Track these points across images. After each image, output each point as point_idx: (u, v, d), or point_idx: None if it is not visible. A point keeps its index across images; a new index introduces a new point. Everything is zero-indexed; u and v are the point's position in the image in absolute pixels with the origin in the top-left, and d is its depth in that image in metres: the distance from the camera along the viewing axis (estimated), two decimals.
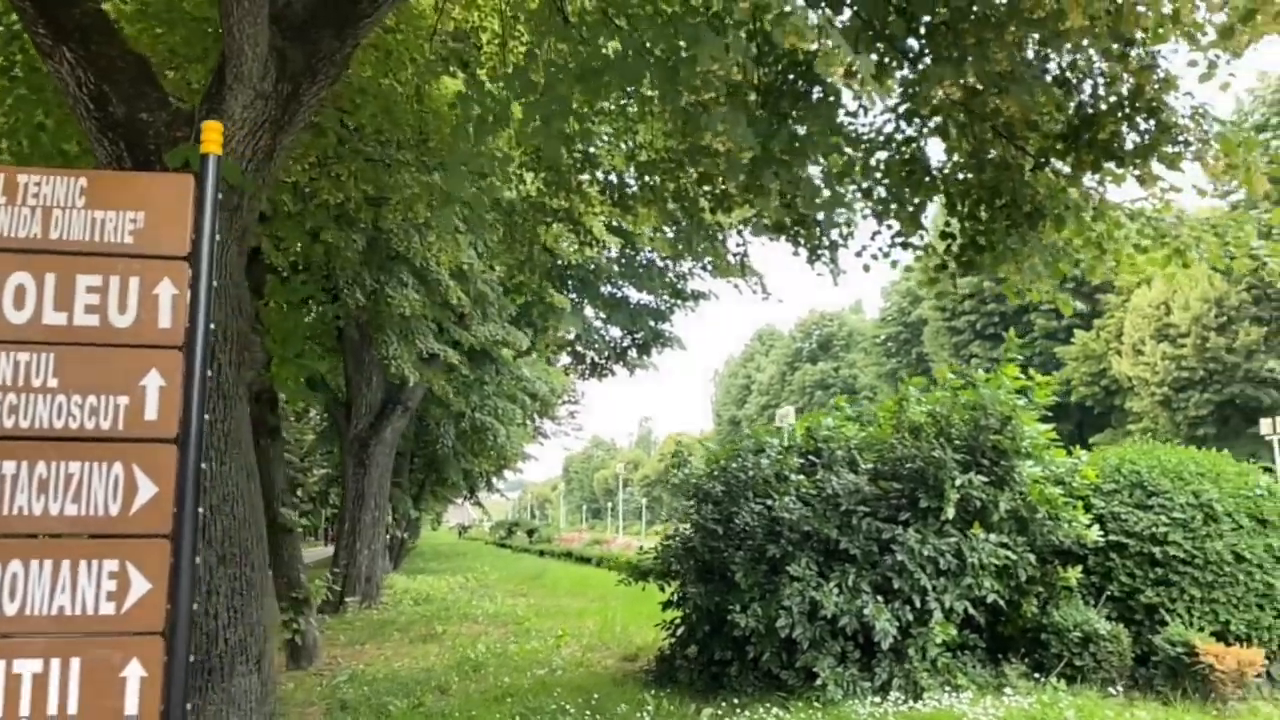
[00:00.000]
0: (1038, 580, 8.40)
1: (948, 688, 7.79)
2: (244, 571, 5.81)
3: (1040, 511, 8.38)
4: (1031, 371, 9.66)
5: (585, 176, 9.42)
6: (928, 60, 5.24)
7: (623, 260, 18.78)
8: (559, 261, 15.10)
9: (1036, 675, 7.96)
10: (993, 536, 8.25)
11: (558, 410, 33.99)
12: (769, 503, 8.83)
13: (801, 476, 9.26)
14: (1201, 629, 7.81)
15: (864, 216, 7.10)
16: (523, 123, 5.63)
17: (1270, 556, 7.91)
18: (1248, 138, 5.41)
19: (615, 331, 20.97)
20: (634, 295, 20.57)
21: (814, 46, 5.08)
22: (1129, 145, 5.43)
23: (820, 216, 5.76)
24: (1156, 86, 5.06)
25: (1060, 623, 8.00)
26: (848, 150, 5.82)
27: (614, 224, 12.87)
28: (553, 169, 9.11)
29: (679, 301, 20.31)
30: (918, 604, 8.00)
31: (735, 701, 7.89)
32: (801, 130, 5.40)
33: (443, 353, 13.26)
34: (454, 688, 9.60)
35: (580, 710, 7.86)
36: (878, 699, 7.62)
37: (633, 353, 20.84)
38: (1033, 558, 8.30)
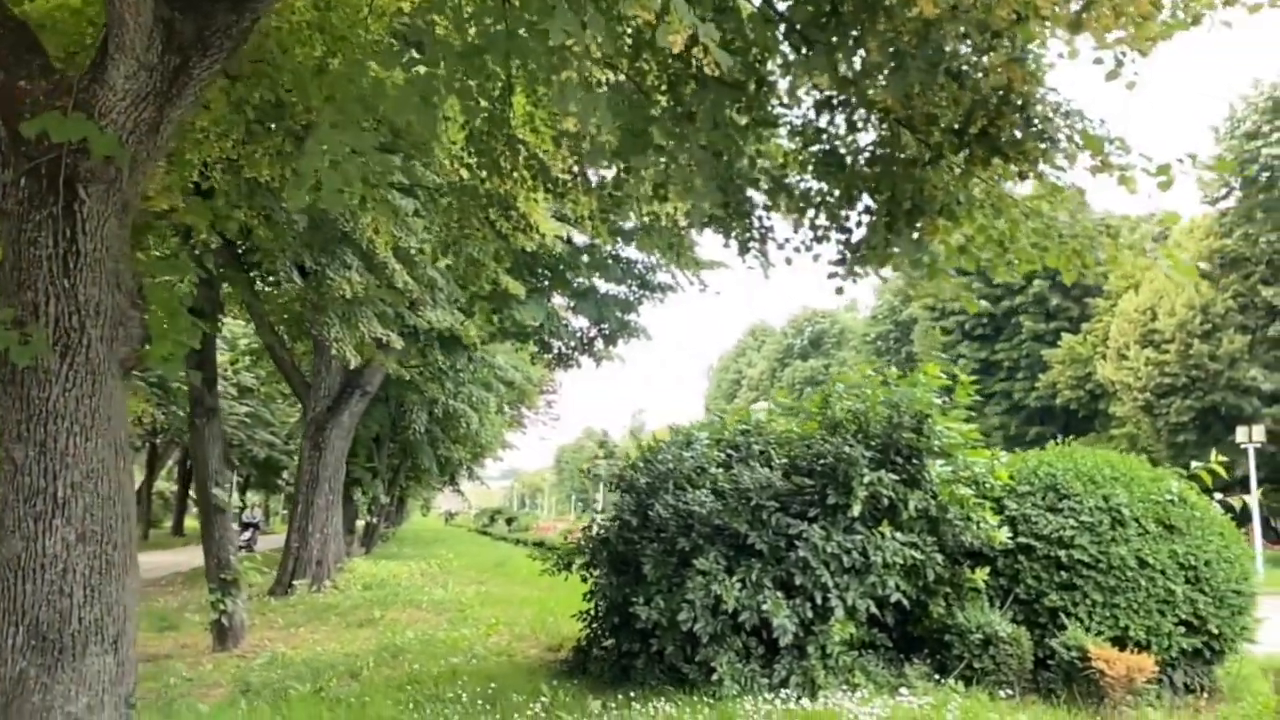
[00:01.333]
0: (945, 581, 8.34)
1: (845, 686, 7.72)
2: (104, 549, 5.71)
3: (951, 512, 8.31)
4: (957, 371, 9.57)
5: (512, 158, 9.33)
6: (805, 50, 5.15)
7: (588, 251, 18.71)
8: (520, 250, 15.05)
9: (937, 676, 7.89)
10: (900, 535, 8.17)
11: (535, 400, 33.93)
12: (684, 496, 8.75)
13: (720, 470, 9.18)
14: (1101, 634, 7.75)
15: (766, 208, 6.99)
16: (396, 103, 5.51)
17: (1174, 563, 7.83)
18: (1118, 140, 5.32)
19: (583, 322, 20.92)
20: (603, 286, 20.54)
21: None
22: (1003, 140, 5.33)
23: (707, 206, 5.64)
24: (1025, 82, 4.96)
25: (963, 624, 7.94)
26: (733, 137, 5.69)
27: (561, 212, 12.77)
28: (483, 153, 9.03)
29: (647, 293, 20.25)
30: (819, 601, 7.93)
31: (633, 694, 7.83)
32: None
33: (386, 337, 13.16)
34: (366, 673, 9.56)
35: (475, 699, 7.81)
36: (773, 695, 7.55)
37: (599, 344, 20.78)
38: (940, 558, 8.24)
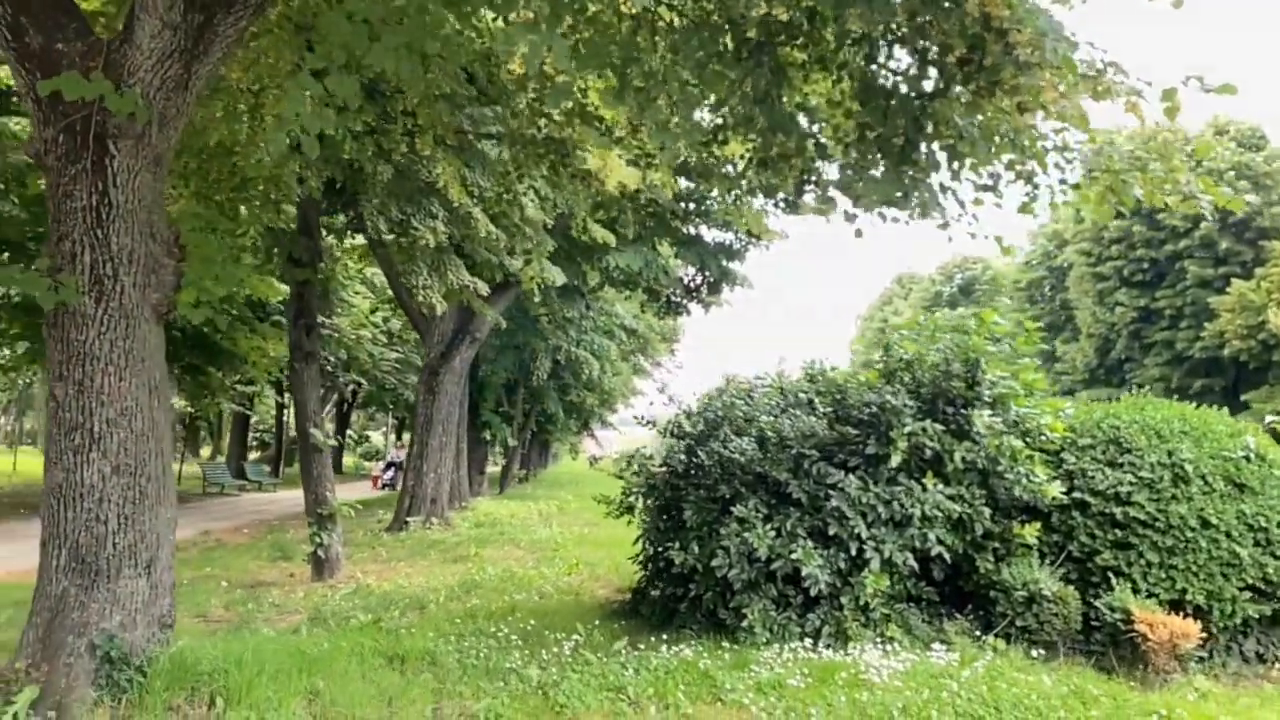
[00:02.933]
0: (995, 536, 8.00)
1: (879, 639, 7.56)
2: (137, 481, 6.21)
3: (1002, 464, 7.94)
4: (1023, 319, 9.07)
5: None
6: None
7: (691, 197, 18.56)
8: (617, 196, 15.10)
9: (978, 633, 7.62)
10: (945, 488, 7.88)
11: (657, 348, 34.12)
12: (728, 444, 8.70)
13: (770, 418, 9.06)
14: (1155, 596, 7.27)
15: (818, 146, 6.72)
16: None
17: (1242, 524, 7.23)
18: (1113, 64, 4.83)
19: (691, 270, 20.84)
20: (709, 234, 20.35)
21: None
22: (984, 70, 4.95)
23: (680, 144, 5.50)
24: (999, 6, 4.57)
25: (1008, 581, 7.61)
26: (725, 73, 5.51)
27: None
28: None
29: (753, 240, 19.97)
30: (853, 552, 7.76)
31: (665, 637, 7.91)
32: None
33: (474, 285, 13.51)
34: (432, 606, 10.02)
35: (513, 634, 8.07)
36: (803, 644, 7.46)
37: (704, 291, 20.70)
38: (988, 512, 7.90)
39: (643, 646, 7.65)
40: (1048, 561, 7.89)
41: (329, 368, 38.55)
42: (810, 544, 7.83)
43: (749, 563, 7.99)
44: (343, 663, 7.05)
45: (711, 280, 20.11)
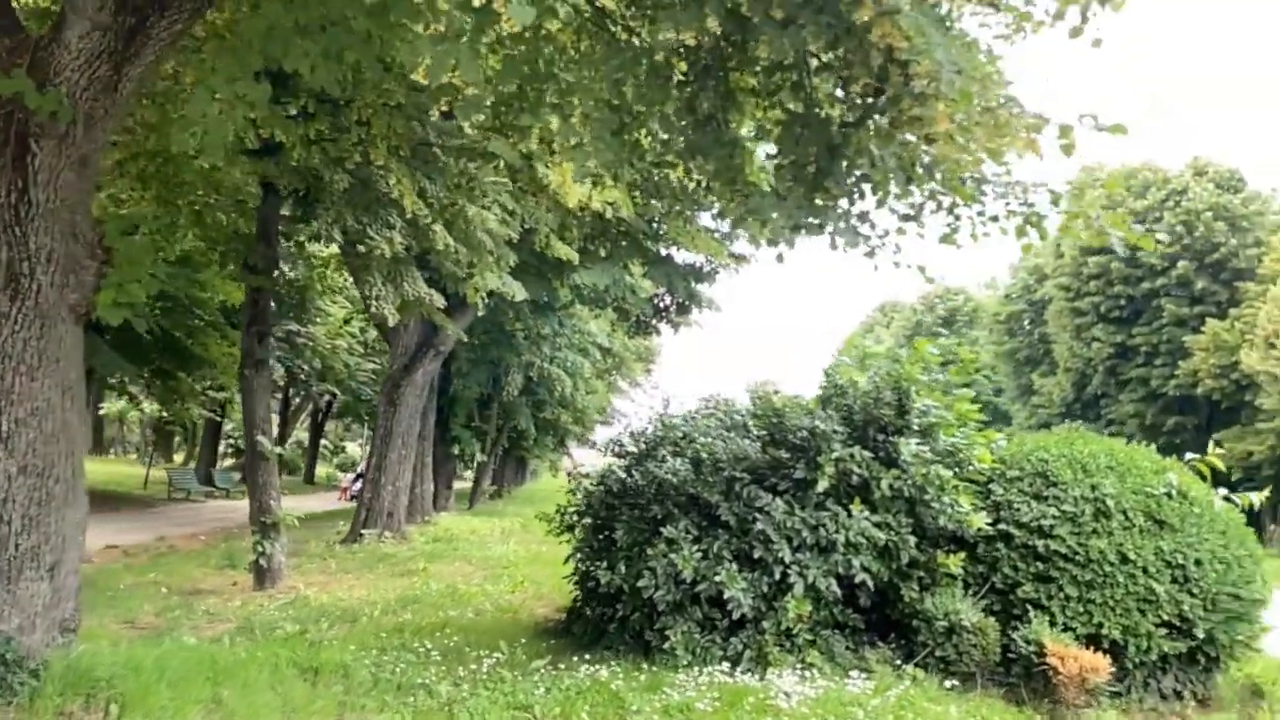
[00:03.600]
0: (920, 565, 7.99)
1: (800, 665, 7.53)
2: (45, 483, 6.14)
3: (929, 493, 7.94)
4: (961, 350, 9.12)
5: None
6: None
7: (662, 219, 18.62)
8: (581, 215, 15.12)
9: (899, 662, 7.60)
10: (873, 515, 7.88)
11: (633, 367, 34.11)
12: (662, 465, 8.69)
13: (707, 440, 9.05)
14: (1072, 630, 7.27)
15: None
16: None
17: (1160, 560, 7.24)
18: (1011, 99, 4.88)
19: (661, 290, 20.88)
20: (682, 256, 20.39)
21: None
22: (884, 101, 4.98)
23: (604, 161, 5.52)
24: (897, 38, 4.60)
25: (930, 610, 7.60)
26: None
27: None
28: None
29: (722, 263, 20.03)
30: (777, 576, 7.74)
31: (589, 657, 7.86)
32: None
33: (429, 297, 13.49)
34: (364, 619, 9.94)
35: (432, 651, 8.02)
36: (722, 668, 7.42)
37: (673, 311, 20.74)
38: (913, 540, 7.89)
39: (563, 666, 7.61)
40: (972, 592, 7.89)
41: (303, 376, 38.45)
42: (735, 567, 7.81)
43: (675, 584, 7.96)
44: (254, 673, 6.97)
45: (680, 301, 20.15)
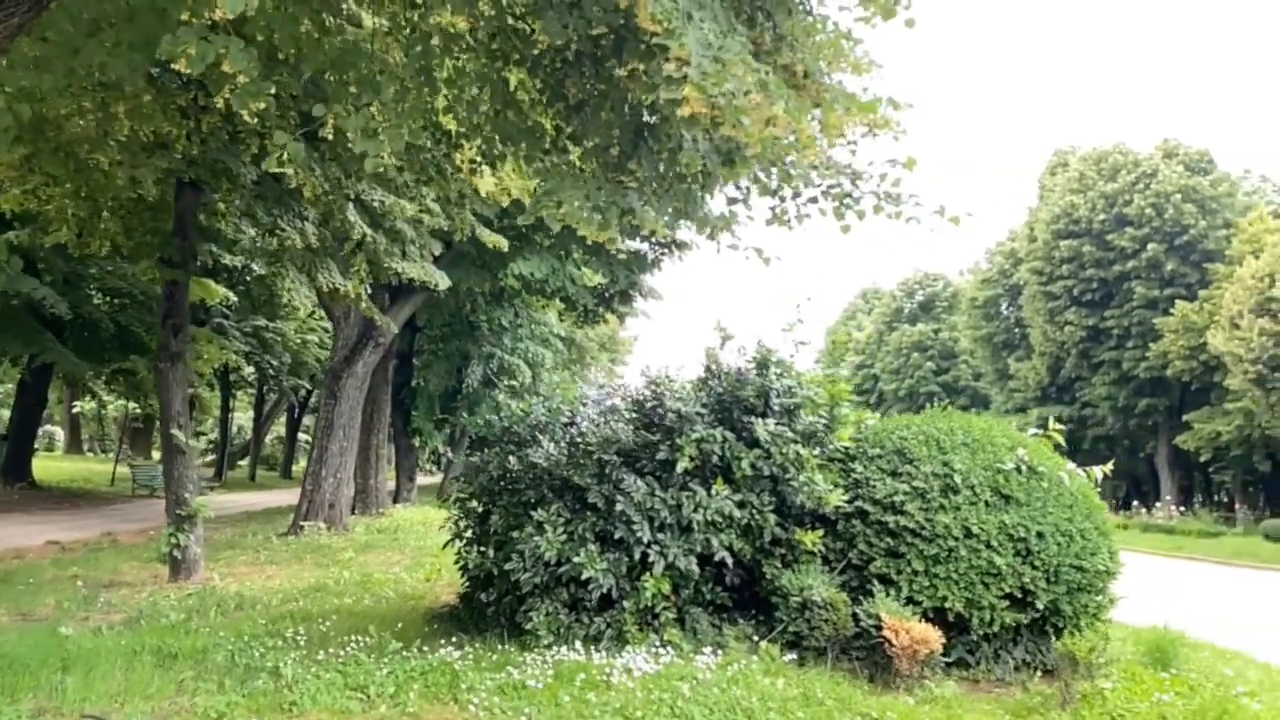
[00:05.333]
0: (782, 542, 8.10)
1: (659, 643, 7.63)
2: None
3: (790, 472, 8.04)
4: (841, 335, 9.19)
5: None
6: None
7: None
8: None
9: (755, 638, 7.71)
10: (735, 494, 7.98)
11: (596, 357, 34.19)
12: (536, 449, 8.78)
13: (589, 424, 9.14)
14: (919, 603, 7.38)
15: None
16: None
17: (1003, 535, 7.34)
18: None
19: (601, 279, 20.94)
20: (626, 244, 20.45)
21: None
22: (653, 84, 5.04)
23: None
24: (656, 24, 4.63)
25: (786, 587, 7.71)
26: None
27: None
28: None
29: (665, 251, 20.12)
30: (636, 556, 7.84)
31: (455, 640, 7.96)
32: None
33: (344, 288, 13.55)
34: (259, 607, 10.03)
35: (302, 636, 8.12)
36: (574, 648, 7.51)
37: (615, 300, 20.82)
38: (774, 518, 8.00)
39: (427, 649, 7.70)
40: (833, 568, 8.00)
41: (271, 372, 38.48)
42: (597, 548, 7.91)
43: (542, 566, 8.06)
44: (107, 659, 7.09)
45: (621, 290, 20.22)
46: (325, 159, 11.15)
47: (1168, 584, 20.64)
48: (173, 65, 6.26)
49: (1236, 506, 42.55)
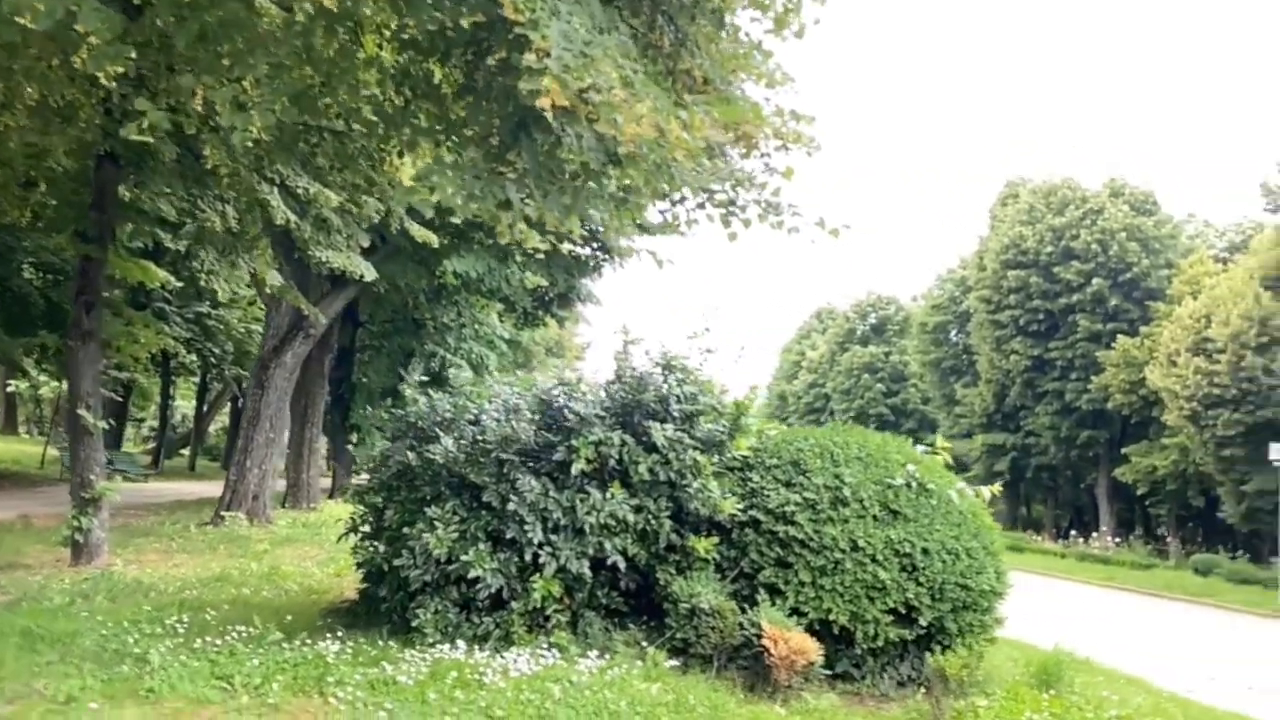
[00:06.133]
0: (677, 549, 8.07)
1: (546, 646, 7.55)
2: None
3: (689, 479, 8.02)
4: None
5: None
6: None
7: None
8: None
9: (643, 644, 7.67)
10: (629, 498, 7.94)
11: (543, 362, 34.05)
12: (433, 445, 8.68)
13: (492, 422, 9.05)
14: (804, 614, 7.39)
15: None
16: None
17: (889, 549, 7.38)
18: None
19: (543, 281, 20.85)
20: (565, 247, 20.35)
21: None
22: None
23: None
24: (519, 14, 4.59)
25: (676, 593, 7.68)
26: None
27: None
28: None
29: (606, 256, 20.09)
30: (528, 557, 7.77)
31: (340, 634, 7.82)
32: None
33: (267, 275, 13.35)
34: (153, 595, 9.83)
35: (182, 624, 7.95)
36: (455, 647, 7.41)
37: (554, 303, 20.75)
38: (669, 524, 7.97)
39: (309, 642, 7.55)
40: (725, 576, 7.98)
41: (213, 360, 37.87)
42: (488, 547, 7.83)
43: (434, 564, 7.96)
44: None
45: (560, 293, 20.16)
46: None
47: (1097, 613, 20.95)
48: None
49: (1169, 540, 43.30)
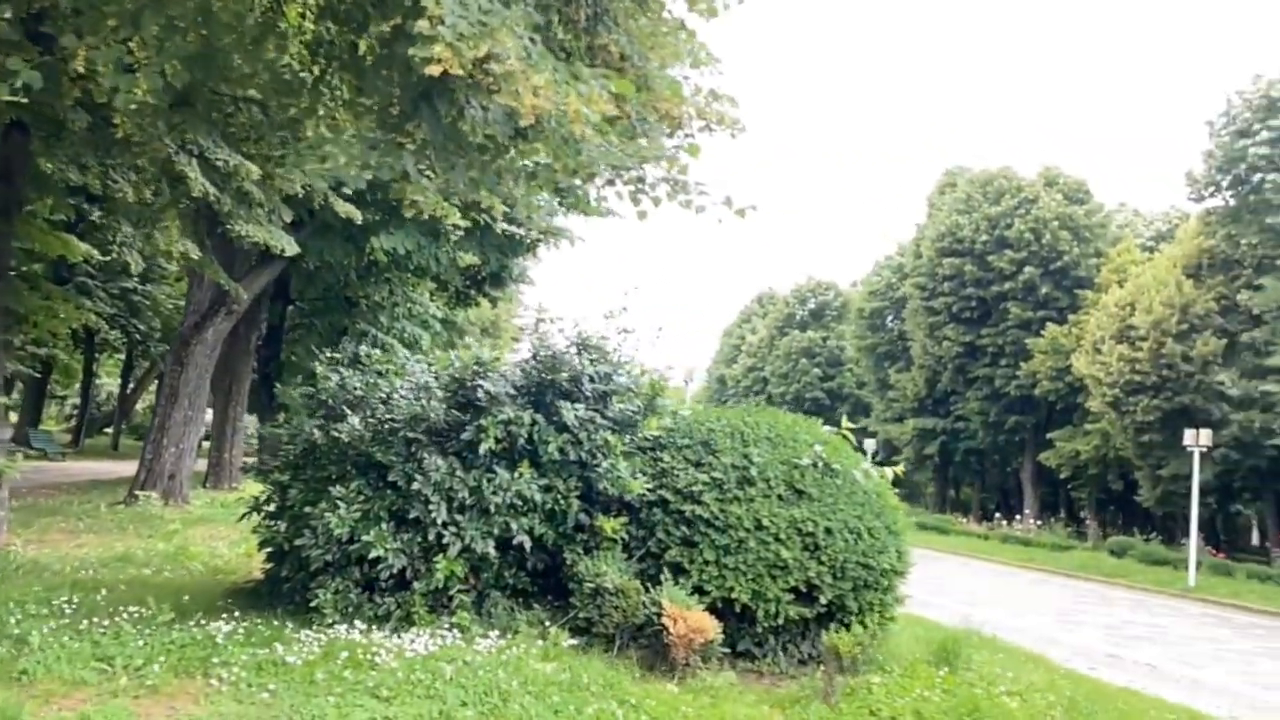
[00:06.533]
0: (586, 528, 8.03)
1: (449, 626, 7.46)
2: None
3: (599, 458, 7.97)
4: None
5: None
6: None
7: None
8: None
9: (546, 623, 7.62)
10: (538, 478, 7.87)
11: (478, 341, 33.73)
12: (339, 424, 8.52)
13: (404, 400, 8.91)
14: (708, 593, 7.41)
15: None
16: None
17: (792, 528, 7.43)
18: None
19: (475, 260, 20.62)
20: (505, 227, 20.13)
21: None
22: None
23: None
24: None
25: (581, 573, 7.63)
26: None
27: None
28: None
29: (543, 237, 19.91)
30: (431, 537, 7.67)
31: (237, 615, 7.64)
32: None
33: (183, 247, 12.98)
34: (46, 575, 9.54)
35: (70, 605, 7.70)
36: (353, 627, 7.28)
37: (487, 283, 20.55)
38: (578, 504, 7.92)
39: (203, 623, 7.37)
40: (632, 556, 7.96)
41: (139, 337, 36.93)
42: (391, 526, 7.71)
43: (336, 544, 7.81)
44: None
45: (492, 272, 19.95)
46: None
47: (1011, 593, 21.46)
48: None
49: (1089, 522, 44.47)
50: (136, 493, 17.11)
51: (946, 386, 49.13)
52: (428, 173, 5.61)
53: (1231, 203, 34.38)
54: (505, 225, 19.68)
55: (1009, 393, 45.51)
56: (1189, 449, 28.01)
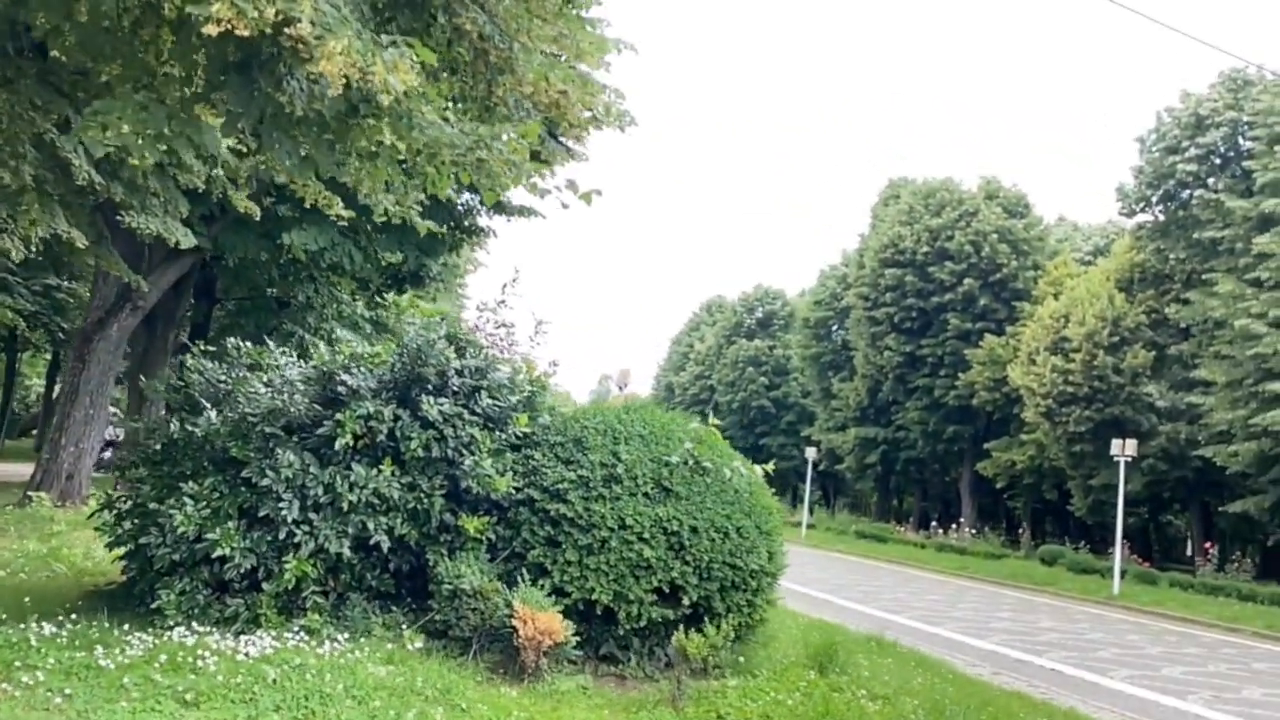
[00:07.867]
0: (450, 528, 7.72)
1: (297, 628, 7.11)
2: None
3: (464, 455, 7.67)
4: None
5: None
6: None
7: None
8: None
9: (403, 626, 7.30)
10: (401, 476, 7.56)
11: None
12: (194, 419, 8.15)
13: (266, 394, 8.54)
14: (569, 594, 7.14)
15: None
16: None
17: (656, 527, 7.19)
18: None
19: (395, 258, 20.20)
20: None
21: None
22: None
23: None
24: None
25: (440, 575, 7.33)
26: None
27: None
28: None
29: (462, 235, 19.57)
30: (282, 536, 7.31)
31: (75, 618, 7.21)
32: None
33: (68, 234, 12.43)
34: None
35: None
36: (203, 630, 6.92)
37: (407, 282, 20.16)
38: (441, 503, 7.62)
39: (31, 626, 6.94)
40: (498, 557, 7.67)
41: (63, 336, 35.92)
42: (240, 525, 7.35)
43: (185, 543, 7.42)
44: None
45: (411, 271, 19.56)
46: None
47: (937, 599, 21.46)
48: None
49: (1022, 531, 44.89)
50: (30, 494, 16.44)
51: (888, 396, 49.41)
52: (240, 148, 5.30)
53: (1161, 218, 35.05)
54: (430, 223, 19.30)
55: (948, 403, 45.86)
56: (1115, 459, 28.30)
